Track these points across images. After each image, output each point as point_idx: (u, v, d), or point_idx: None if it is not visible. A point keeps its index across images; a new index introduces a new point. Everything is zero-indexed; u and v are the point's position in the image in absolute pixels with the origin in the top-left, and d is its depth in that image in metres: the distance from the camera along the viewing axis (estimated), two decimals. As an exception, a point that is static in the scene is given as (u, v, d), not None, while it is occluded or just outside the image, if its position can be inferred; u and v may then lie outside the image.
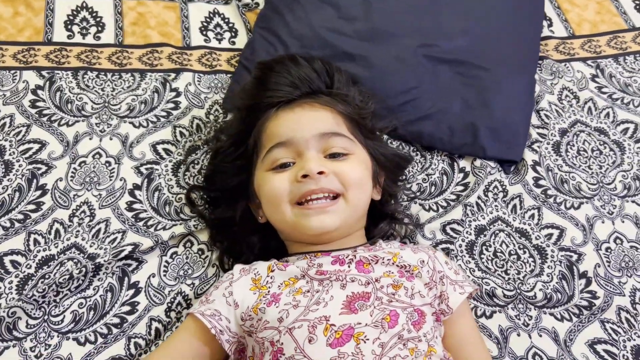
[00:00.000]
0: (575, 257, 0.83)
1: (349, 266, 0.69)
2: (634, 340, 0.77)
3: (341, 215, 0.70)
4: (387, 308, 0.64)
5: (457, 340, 0.70)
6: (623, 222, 0.87)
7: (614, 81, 1.00)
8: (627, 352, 0.76)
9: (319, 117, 0.73)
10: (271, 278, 0.69)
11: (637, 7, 1.09)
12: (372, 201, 0.79)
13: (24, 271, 0.76)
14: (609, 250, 0.84)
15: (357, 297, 0.65)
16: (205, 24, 1.05)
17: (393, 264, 0.69)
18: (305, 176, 0.68)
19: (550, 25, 1.08)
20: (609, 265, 0.83)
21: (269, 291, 0.68)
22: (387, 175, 0.81)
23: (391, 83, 0.90)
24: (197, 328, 0.68)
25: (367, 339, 0.62)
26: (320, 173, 0.68)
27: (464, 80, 0.91)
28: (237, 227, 0.78)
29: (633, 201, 0.88)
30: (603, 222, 0.86)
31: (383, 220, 0.80)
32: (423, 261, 0.71)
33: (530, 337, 0.78)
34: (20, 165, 0.85)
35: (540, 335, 0.78)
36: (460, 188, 0.89)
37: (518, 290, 0.80)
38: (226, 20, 1.06)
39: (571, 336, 0.78)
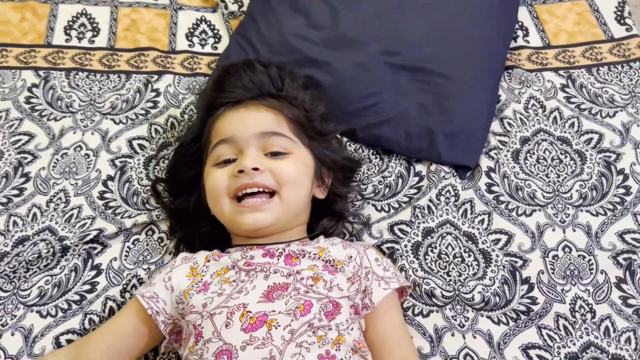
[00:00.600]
0: (520, 262, 0.84)
1: (277, 259, 0.73)
2: (569, 347, 0.77)
3: (275, 212, 0.74)
4: (303, 298, 0.68)
5: (381, 334, 0.73)
6: (574, 231, 0.87)
7: (583, 91, 1.00)
8: (561, 359, 0.77)
9: (261, 117, 0.78)
10: (206, 267, 0.75)
11: (617, 17, 1.08)
12: (321, 199, 0.84)
13: (1, 249, 0.85)
14: (556, 258, 0.84)
15: (277, 287, 0.70)
16: (191, 30, 1.12)
17: (319, 258, 0.73)
18: (241, 171, 0.74)
19: (526, 35, 1.08)
20: (553, 273, 0.83)
21: (202, 279, 0.73)
22: (335, 176, 0.86)
23: (353, 88, 0.94)
24: (138, 308, 0.74)
25: (279, 325, 0.66)
26: (255, 169, 0.73)
27: (423, 87, 0.94)
28: (191, 218, 0.84)
29: (587, 211, 0.88)
30: (554, 230, 0.87)
31: (325, 217, 0.84)
32: (351, 257, 0.74)
33: (464, 338, 0.79)
34: (9, 155, 0.94)
35: (475, 337, 0.79)
36: (413, 191, 0.92)
37: (457, 292, 0.82)
38: (212, 27, 1.13)
39: (505, 339, 0.79)
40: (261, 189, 0.74)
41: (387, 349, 0.72)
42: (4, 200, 0.90)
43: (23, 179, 0.92)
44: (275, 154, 0.77)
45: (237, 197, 0.75)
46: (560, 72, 1.03)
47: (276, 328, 0.65)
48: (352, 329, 0.69)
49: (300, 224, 0.81)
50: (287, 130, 0.79)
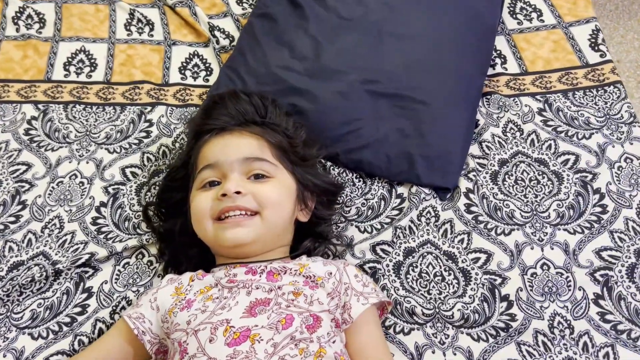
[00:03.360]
0: (499, 280, 0.86)
1: (260, 276, 0.76)
2: (548, 363, 0.79)
3: (256, 230, 0.77)
4: (284, 312, 0.71)
5: (360, 347, 0.74)
6: (552, 249, 0.89)
7: (560, 115, 1.03)
8: (540, 374, 0.78)
9: (244, 144, 0.82)
10: (190, 286, 0.78)
11: (592, 44, 1.12)
12: (304, 222, 0.87)
13: (-3, 273, 0.88)
14: (534, 276, 0.86)
15: (259, 302, 0.72)
16: (184, 64, 1.18)
17: (300, 274, 0.76)
18: (224, 195, 0.77)
19: (504, 62, 1.13)
20: (531, 290, 0.85)
21: (185, 297, 0.76)
22: (318, 199, 0.89)
23: (334, 115, 0.98)
24: (125, 328, 0.77)
25: (262, 339, 0.68)
26: (238, 193, 0.77)
27: (402, 112, 0.97)
28: (178, 240, 0.87)
29: (565, 229, 0.90)
30: (532, 249, 0.89)
31: (307, 238, 0.86)
32: (330, 273, 0.77)
33: (444, 355, 0.81)
34: (7, 184, 0.98)
35: (455, 354, 0.81)
36: (395, 212, 0.94)
37: (437, 310, 0.84)
38: (204, 60, 1.19)
39: (485, 356, 0.80)
40: (243, 212, 0.77)
41: (364, 362, 0.74)
42: (1, 227, 0.93)
43: (20, 207, 0.96)
44: (257, 177, 0.80)
45: (220, 218, 0.78)
46: (537, 96, 1.06)
47: (259, 342, 0.67)
48: (333, 342, 0.71)
49: (283, 245, 0.83)
50: (270, 155, 0.82)
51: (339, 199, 0.93)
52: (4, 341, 0.83)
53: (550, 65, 1.11)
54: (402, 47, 1.02)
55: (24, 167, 1.01)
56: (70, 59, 1.17)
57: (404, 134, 0.96)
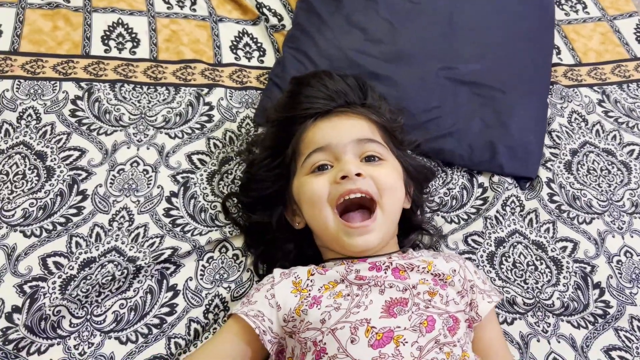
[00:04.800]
0: (588, 268, 0.88)
1: (385, 272, 0.73)
2: (646, 347, 0.82)
3: (382, 229, 0.73)
4: (424, 314, 0.68)
5: (484, 345, 0.74)
6: (632, 237, 0.92)
7: (619, 106, 1.07)
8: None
9: (355, 125, 0.78)
10: (311, 282, 0.73)
11: (638, 38, 1.16)
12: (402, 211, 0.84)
13: (67, 272, 0.79)
14: (620, 263, 0.89)
15: (395, 302, 0.69)
16: (235, 42, 1.10)
17: (428, 272, 0.73)
18: (344, 177, 0.73)
19: (558, 53, 1.15)
20: (620, 277, 0.88)
21: (309, 294, 0.71)
22: (415, 185, 0.86)
23: (414, 102, 0.96)
24: (240, 328, 0.71)
25: (406, 342, 0.65)
26: (358, 175, 0.73)
27: (481, 101, 0.97)
28: (274, 233, 0.82)
29: (640, 218, 0.94)
30: (613, 237, 0.92)
31: (414, 230, 0.84)
32: (455, 270, 0.75)
33: (549, 343, 0.82)
34: (61, 171, 0.88)
35: (559, 342, 0.82)
36: (479, 202, 0.94)
37: (537, 299, 0.85)
38: (254, 39, 1.12)
39: (587, 342, 0.82)
40: (364, 195, 0.73)
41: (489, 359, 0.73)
42: (62, 220, 0.84)
43: (80, 197, 0.86)
44: (369, 160, 0.76)
45: (339, 208, 0.73)
46: (595, 88, 1.09)
47: (404, 345, 0.65)
48: (468, 343, 0.70)
49: (393, 236, 0.80)
50: (380, 137, 0.79)
51: (429, 186, 0.91)
52: (89, 347, 0.75)
53: (602, 57, 1.14)
54: (474, 37, 1.01)
55: (77, 153, 0.90)
56: (108, 33, 1.06)
57: (485, 123, 0.96)
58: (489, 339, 0.74)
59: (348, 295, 0.70)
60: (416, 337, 0.66)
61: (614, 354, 0.81)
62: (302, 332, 0.68)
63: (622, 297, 0.86)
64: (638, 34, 1.17)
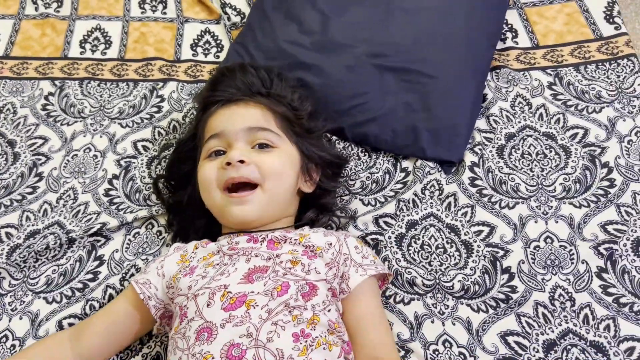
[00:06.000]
0: (501, 253, 0.86)
1: (260, 244, 0.78)
2: (547, 334, 0.79)
3: (260, 204, 0.79)
4: (280, 279, 0.72)
5: (357, 317, 0.76)
6: (557, 222, 0.88)
7: (570, 89, 1.02)
8: (538, 345, 0.78)
9: (249, 114, 0.84)
10: (194, 254, 0.80)
11: (607, 17, 1.10)
12: (309, 193, 0.88)
13: (14, 241, 0.92)
14: (537, 249, 0.86)
15: (257, 269, 0.74)
16: (196, 40, 1.20)
17: (299, 243, 0.77)
18: (228, 164, 0.79)
19: (515, 36, 1.11)
20: (533, 262, 0.85)
21: (189, 264, 0.78)
22: (323, 172, 0.90)
23: (340, 89, 0.98)
24: (132, 294, 0.79)
25: (257, 305, 0.70)
26: (241, 162, 0.78)
27: (409, 86, 0.97)
28: (185, 211, 0.90)
29: (570, 203, 0.90)
30: (536, 222, 0.88)
31: (319, 212, 0.88)
32: (330, 243, 0.78)
33: (443, 325, 0.81)
34: (25, 156, 1.02)
35: (454, 324, 0.81)
36: (399, 186, 0.95)
37: (437, 280, 0.85)
38: (215, 37, 1.20)
39: (484, 327, 0.81)
40: (246, 182, 0.79)
41: (361, 331, 0.75)
42: (19, 197, 0.98)
43: (36, 178, 1.00)
44: (262, 147, 0.82)
45: (228, 189, 0.80)
46: (548, 70, 1.05)
47: (254, 307, 0.69)
48: (328, 310, 0.72)
49: (288, 216, 0.85)
50: (274, 126, 0.84)
51: (343, 171, 0.94)
52: (20, 304, 0.87)
53: (563, 39, 1.09)
54: (410, 20, 1.01)
55: (40, 141, 1.04)
56: (86, 37, 1.20)
57: (410, 108, 0.96)
58: (360, 313, 0.75)
59: (217, 264, 0.76)
60: (267, 300, 0.70)
61: (510, 339, 0.79)
62: (175, 298, 0.75)
63: (532, 283, 0.83)
64: (608, 12, 1.10)
